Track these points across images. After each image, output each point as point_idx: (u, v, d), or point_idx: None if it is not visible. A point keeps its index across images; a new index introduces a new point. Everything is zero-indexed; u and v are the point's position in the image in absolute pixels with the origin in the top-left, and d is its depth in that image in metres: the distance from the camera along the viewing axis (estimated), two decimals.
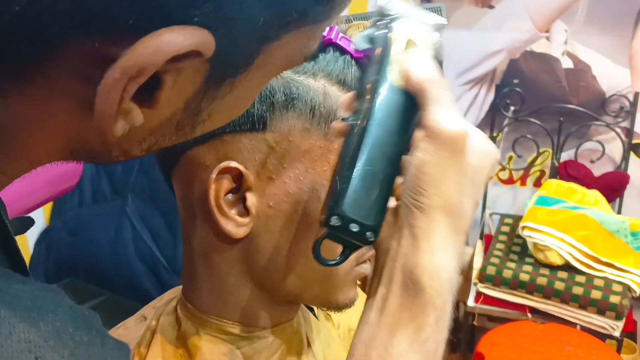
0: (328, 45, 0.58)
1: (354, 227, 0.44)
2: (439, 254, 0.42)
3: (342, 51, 0.58)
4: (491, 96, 2.13)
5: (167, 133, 0.34)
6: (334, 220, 0.44)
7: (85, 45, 0.27)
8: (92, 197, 2.04)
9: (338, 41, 0.58)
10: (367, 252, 0.61)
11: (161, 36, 0.27)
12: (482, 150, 0.45)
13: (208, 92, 0.32)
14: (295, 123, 0.55)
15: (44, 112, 0.29)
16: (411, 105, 0.44)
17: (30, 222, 0.39)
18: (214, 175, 0.54)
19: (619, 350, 1.76)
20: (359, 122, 0.45)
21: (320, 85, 0.56)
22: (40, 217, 1.99)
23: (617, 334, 1.72)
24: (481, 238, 2.16)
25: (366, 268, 0.62)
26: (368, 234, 0.44)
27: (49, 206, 2.00)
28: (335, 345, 0.72)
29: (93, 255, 1.92)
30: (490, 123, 2.13)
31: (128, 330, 0.70)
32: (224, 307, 0.60)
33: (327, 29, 0.57)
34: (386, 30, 0.47)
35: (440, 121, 0.42)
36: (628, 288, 1.75)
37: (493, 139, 2.14)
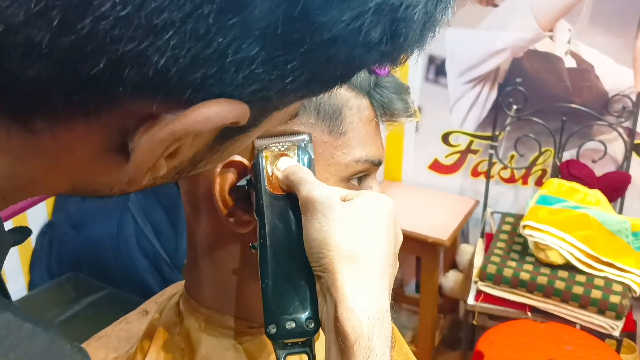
0: None
1: (290, 324, 0.48)
2: (350, 298, 0.44)
3: None
4: (494, 95, 2.13)
5: (167, 177, 0.36)
6: (271, 329, 0.48)
7: (138, 104, 0.28)
8: None
9: None
10: None
11: (212, 107, 0.29)
12: (368, 199, 0.49)
13: (214, 147, 0.35)
14: (300, 118, 0.55)
15: (66, 153, 0.30)
16: (291, 201, 0.51)
17: (28, 232, 0.40)
18: (218, 169, 0.54)
19: (618, 350, 1.77)
20: (259, 238, 0.51)
21: None
22: (43, 211, 1.99)
23: (616, 333, 1.72)
24: (482, 237, 2.17)
25: None
26: (307, 323, 0.48)
27: (51, 200, 2.01)
28: None
29: (95, 250, 1.92)
30: (493, 122, 2.13)
31: (130, 325, 0.71)
32: (227, 302, 0.61)
33: None
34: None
35: (306, 193, 0.48)
36: (628, 288, 1.75)
37: (495, 137, 2.14)
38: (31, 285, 1.96)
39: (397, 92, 0.61)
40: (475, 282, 1.89)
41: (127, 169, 0.31)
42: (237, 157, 0.55)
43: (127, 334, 0.70)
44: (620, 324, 1.72)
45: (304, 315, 0.48)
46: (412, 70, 2.24)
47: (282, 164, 0.52)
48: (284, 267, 0.49)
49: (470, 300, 1.88)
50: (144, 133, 0.29)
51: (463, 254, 2.21)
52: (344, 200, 0.50)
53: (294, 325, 0.48)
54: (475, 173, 2.28)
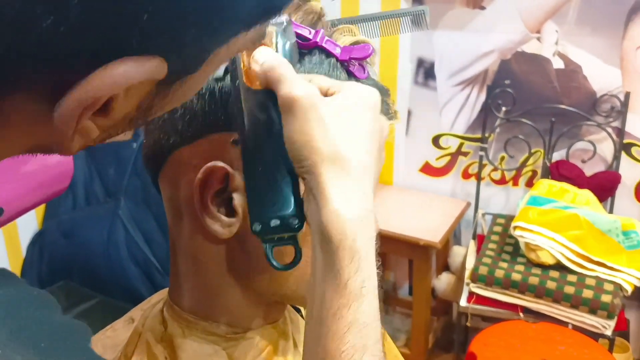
0: (314, 48, 0.59)
1: (275, 222, 0.48)
2: (334, 200, 0.44)
3: (328, 54, 0.59)
4: (483, 97, 2.14)
5: (120, 127, 0.36)
6: (256, 227, 0.48)
7: (43, 75, 0.28)
8: (85, 200, 2.04)
9: (323, 44, 0.59)
10: None
11: (115, 69, 0.28)
12: (350, 94, 0.48)
13: (159, 93, 0.34)
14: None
15: (5, 124, 0.31)
16: (270, 97, 0.48)
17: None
18: (200, 175, 0.54)
19: (611, 349, 1.77)
20: (239, 136, 0.50)
21: None
22: (33, 220, 1.99)
23: (608, 332, 1.73)
24: (474, 238, 2.17)
25: None
26: (290, 220, 0.48)
27: (41, 209, 2.00)
28: None
29: (86, 258, 1.91)
30: (482, 124, 2.14)
31: (116, 333, 0.71)
32: (210, 308, 0.60)
33: (313, 32, 0.58)
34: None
35: (285, 92, 0.46)
36: (619, 287, 1.76)
37: (485, 139, 2.15)
38: None
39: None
40: (467, 284, 1.89)
41: (53, 139, 0.31)
42: (219, 163, 0.55)
43: (113, 342, 0.70)
44: (612, 323, 1.72)
45: (287, 213, 0.48)
46: (401, 73, 2.24)
47: (259, 56, 0.49)
48: (266, 165, 0.48)
49: (463, 302, 1.88)
50: (61, 104, 0.29)
51: (455, 255, 2.21)
52: (326, 95, 0.49)
53: (278, 222, 0.48)
54: (466, 175, 2.28)
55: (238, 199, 0.55)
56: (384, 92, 0.63)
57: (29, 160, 1.27)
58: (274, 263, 0.51)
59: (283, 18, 0.52)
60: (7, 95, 0.29)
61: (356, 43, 0.61)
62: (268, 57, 0.48)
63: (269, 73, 0.47)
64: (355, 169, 0.45)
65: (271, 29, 0.51)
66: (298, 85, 0.46)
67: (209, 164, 0.54)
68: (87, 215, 1.99)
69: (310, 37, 0.58)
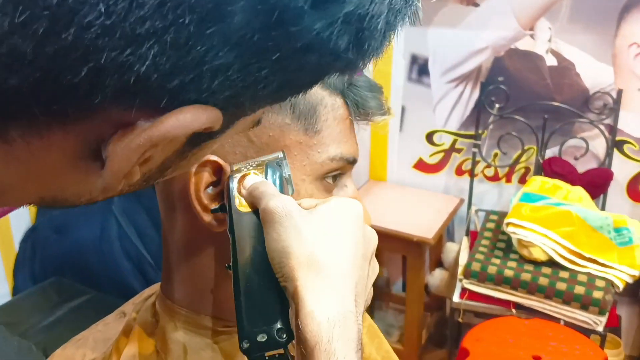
0: None
1: (262, 337, 0.48)
2: (309, 304, 0.44)
3: None
4: (476, 94, 2.14)
5: (135, 185, 0.35)
6: (244, 344, 0.48)
7: (116, 112, 0.29)
8: None
9: None
10: None
11: (187, 113, 0.30)
12: (331, 204, 0.50)
13: (183, 153, 0.35)
14: (275, 118, 0.56)
15: (38, 161, 0.30)
16: (257, 217, 0.51)
17: None
18: (194, 169, 0.55)
19: (602, 345, 1.78)
20: (232, 257, 0.51)
21: None
22: (26, 216, 1.98)
23: (600, 329, 1.73)
24: (467, 234, 2.18)
25: None
26: (278, 334, 0.47)
27: None
28: None
29: (79, 254, 1.91)
30: (476, 120, 2.14)
31: (107, 327, 0.71)
32: (202, 301, 0.61)
33: None
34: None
35: (264, 206, 0.49)
36: (611, 283, 1.76)
37: (479, 136, 2.16)
38: (15, 291, 1.95)
39: (370, 90, 0.62)
40: (460, 280, 1.90)
41: (103, 177, 0.31)
42: (213, 157, 0.55)
43: (104, 336, 0.70)
44: (603, 319, 1.73)
45: (275, 327, 0.48)
46: (395, 70, 2.25)
47: (247, 182, 0.52)
48: (254, 282, 0.49)
49: (455, 297, 1.89)
50: (119, 140, 0.29)
51: (448, 252, 2.22)
52: (308, 209, 0.50)
53: (265, 337, 0.48)
54: (459, 172, 2.29)
55: None
56: (377, 88, 0.63)
57: None
58: None
59: (279, 153, 0.55)
60: (72, 123, 0.28)
61: None
62: (255, 180, 0.52)
63: (254, 192, 0.51)
64: (334, 272, 0.46)
65: (262, 162, 0.54)
66: (275, 197, 0.49)
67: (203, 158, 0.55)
68: (79, 211, 1.98)
69: None
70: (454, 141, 2.25)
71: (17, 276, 1.94)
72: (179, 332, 0.60)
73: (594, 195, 2.01)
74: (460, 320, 1.91)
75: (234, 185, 0.53)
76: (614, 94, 1.97)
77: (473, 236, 2.11)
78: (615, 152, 2.02)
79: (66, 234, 1.93)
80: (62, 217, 1.97)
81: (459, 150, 2.26)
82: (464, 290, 1.88)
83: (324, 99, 0.58)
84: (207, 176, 0.55)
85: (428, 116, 2.25)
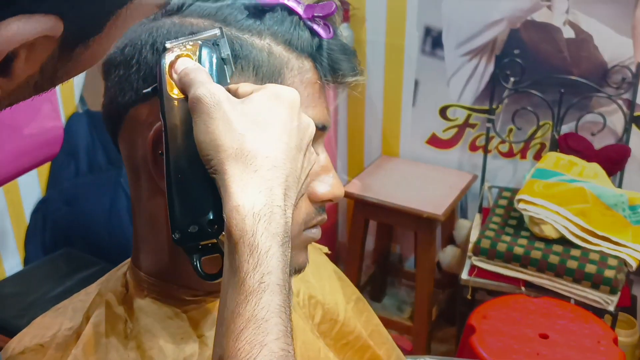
0: (276, 5, 0.57)
1: (193, 228, 0.48)
2: (236, 197, 0.44)
3: (290, 12, 0.57)
4: (491, 67, 2.09)
5: (24, 92, 0.35)
6: (176, 235, 0.48)
7: None
8: (88, 168, 2.05)
9: (286, 2, 0.57)
10: (315, 216, 0.60)
11: (9, 25, 0.29)
12: (264, 92, 0.48)
13: (62, 56, 0.34)
14: (237, 80, 0.54)
15: None
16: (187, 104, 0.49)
17: None
18: (152, 133, 0.53)
19: (613, 325, 1.74)
20: (163, 145, 0.50)
21: (265, 44, 0.56)
22: (37, 188, 2.00)
23: (611, 308, 1.70)
24: (480, 211, 2.15)
25: (315, 233, 0.61)
26: (208, 225, 0.47)
27: (45, 176, 2.01)
28: (293, 312, 0.71)
29: (88, 225, 1.93)
30: (490, 94, 2.10)
31: (88, 296, 0.71)
32: (169, 270, 0.60)
33: None
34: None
35: (191, 94, 0.47)
36: (624, 262, 1.72)
37: (493, 110, 2.11)
38: (26, 262, 1.98)
39: (343, 52, 0.59)
40: (470, 257, 1.87)
41: None
42: None
43: (84, 305, 0.69)
44: (614, 298, 1.69)
45: (206, 219, 0.47)
46: (408, 42, 2.20)
47: (179, 65, 0.50)
48: (185, 173, 0.48)
49: (464, 275, 1.86)
50: None
51: (460, 228, 2.19)
52: (243, 95, 0.49)
53: (196, 229, 0.47)
54: (473, 147, 2.24)
55: None
56: (350, 51, 0.61)
57: (29, 122, 1.27)
58: (201, 273, 0.50)
59: (216, 30, 0.52)
60: None
61: (320, 1, 0.59)
62: (186, 65, 0.50)
63: (184, 79, 0.49)
64: (262, 165, 0.45)
65: (196, 42, 0.51)
66: (204, 86, 0.47)
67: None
68: (89, 183, 2.00)
69: None
70: (468, 116, 2.21)
71: (28, 247, 1.97)
72: (146, 301, 0.60)
73: (610, 172, 1.95)
74: (468, 297, 1.89)
75: (164, 68, 0.50)
76: (633, 68, 1.90)
77: (486, 213, 2.07)
78: (634, 127, 1.96)
79: (76, 206, 1.95)
80: (73, 189, 1.99)
81: (472, 126, 2.22)
82: (472, 267, 1.86)
83: (289, 61, 0.56)
84: None
85: (441, 90, 2.21)
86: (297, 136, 0.48)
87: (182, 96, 0.49)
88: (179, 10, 0.56)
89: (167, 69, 0.50)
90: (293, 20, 0.57)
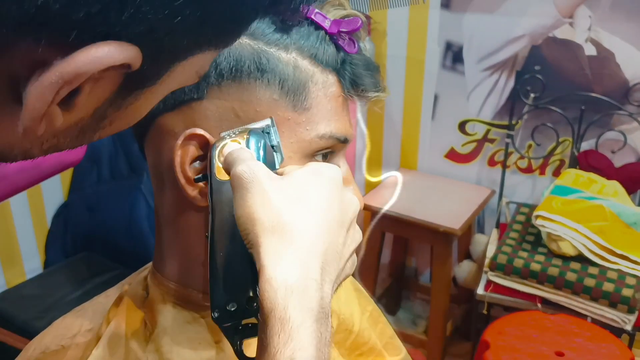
0: (303, 20, 0.58)
1: (232, 306, 0.47)
2: (269, 269, 0.42)
3: (317, 27, 0.58)
4: (512, 83, 2.09)
5: (69, 136, 0.35)
6: (215, 314, 0.47)
7: (25, 47, 0.29)
8: (110, 174, 2.08)
9: (313, 16, 0.58)
10: None
11: (100, 47, 0.29)
12: (306, 169, 0.48)
13: (116, 101, 0.35)
14: (263, 93, 0.55)
15: None
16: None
17: None
18: (180, 142, 0.55)
19: (630, 345, 1.73)
20: (209, 227, 0.51)
21: (292, 58, 0.57)
22: (59, 192, 2.03)
23: (628, 327, 1.68)
24: (497, 227, 2.14)
25: None
26: (248, 303, 0.47)
27: (67, 181, 2.04)
28: None
29: (109, 230, 1.96)
30: (510, 110, 2.10)
31: (108, 299, 0.72)
32: (190, 275, 0.61)
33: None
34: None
35: (233, 172, 0.47)
36: None
37: (512, 126, 2.11)
38: (46, 264, 2.01)
39: (366, 68, 0.60)
40: (486, 272, 1.87)
41: (21, 119, 0.31)
42: (199, 131, 0.55)
43: (104, 308, 0.71)
44: (632, 317, 1.68)
45: (245, 296, 0.47)
46: (429, 57, 2.21)
47: (226, 149, 0.51)
48: (227, 251, 0.48)
49: (480, 290, 1.86)
50: (35, 79, 0.29)
51: (477, 244, 2.18)
52: (282, 174, 0.49)
53: (235, 307, 0.47)
54: (492, 162, 2.24)
55: None
56: (374, 66, 0.62)
57: None
58: (243, 356, 0.49)
59: (267, 120, 0.54)
60: None
61: (346, 16, 0.60)
62: (234, 148, 0.51)
63: (228, 158, 0.49)
64: (298, 238, 0.44)
65: (245, 130, 0.53)
66: (244, 162, 0.47)
67: (189, 130, 0.55)
68: (110, 190, 2.03)
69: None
70: (487, 131, 2.21)
71: (49, 250, 2.00)
72: (167, 305, 0.61)
73: (630, 191, 1.94)
74: (485, 312, 1.88)
75: (215, 153, 0.52)
76: None
77: (503, 228, 2.07)
78: None
79: (97, 211, 1.98)
80: (94, 195, 2.02)
81: (492, 141, 2.22)
82: (489, 282, 1.85)
83: (314, 75, 0.57)
84: (193, 150, 0.55)
85: (461, 105, 2.21)
86: (338, 212, 0.47)
87: (228, 178, 0.50)
88: None
89: (217, 154, 0.52)
90: (319, 35, 0.58)
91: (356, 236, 0.50)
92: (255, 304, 0.46)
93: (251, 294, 0.47)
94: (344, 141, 0.60)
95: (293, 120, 0.57)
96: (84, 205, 1.99)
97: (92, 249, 1.96)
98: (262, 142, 0.52)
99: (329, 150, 0.60)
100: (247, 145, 0.51)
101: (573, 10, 1.94)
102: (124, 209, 1.93)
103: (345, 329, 0.77)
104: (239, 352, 0.48)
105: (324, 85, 0.58)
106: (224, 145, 0.52)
